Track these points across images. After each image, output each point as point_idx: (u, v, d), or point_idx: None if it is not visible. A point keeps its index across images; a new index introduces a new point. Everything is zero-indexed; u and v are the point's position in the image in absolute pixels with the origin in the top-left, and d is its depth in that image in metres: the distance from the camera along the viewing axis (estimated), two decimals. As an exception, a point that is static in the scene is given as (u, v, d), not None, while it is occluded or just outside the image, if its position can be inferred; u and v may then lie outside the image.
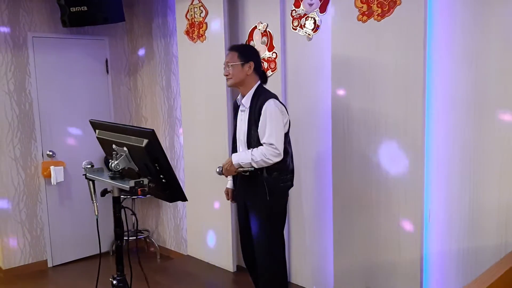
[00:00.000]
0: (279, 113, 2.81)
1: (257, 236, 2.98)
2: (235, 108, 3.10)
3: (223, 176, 3.03)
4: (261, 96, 2.87)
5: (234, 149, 3.10)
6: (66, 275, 4.35)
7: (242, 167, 2.85)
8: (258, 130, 2.83)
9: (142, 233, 4.95)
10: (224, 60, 3.03)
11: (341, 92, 3.19)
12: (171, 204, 4.71)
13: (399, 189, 2.95)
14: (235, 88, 3.04)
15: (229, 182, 3.22)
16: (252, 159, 2.79)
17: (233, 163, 2.86)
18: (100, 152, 4.59)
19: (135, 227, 4.86)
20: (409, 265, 2.95)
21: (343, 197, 3.26)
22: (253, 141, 2.86)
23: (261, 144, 2.82)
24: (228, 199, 3.27)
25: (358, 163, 3.14)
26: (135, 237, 4.73)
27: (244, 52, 2.93)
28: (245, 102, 2.93)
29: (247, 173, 2.87)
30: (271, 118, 2.78)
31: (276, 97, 2.90)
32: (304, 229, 3.68)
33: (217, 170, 2.95)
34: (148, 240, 4.96)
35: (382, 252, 3.09)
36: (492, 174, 2.65)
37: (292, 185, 3.03)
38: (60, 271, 4.45)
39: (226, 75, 2.96)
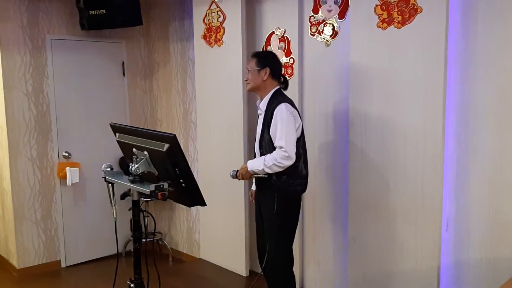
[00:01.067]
0: (291, 117, 2.84)
1: (267, 238, 3.02)
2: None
3: (237, 180, 3.07)
4: (276, 101, 2.92)
5: (253, 152, 3.15)
6: (79, 276, 4.38)
7: (256, 173, 2.92)
8: (270, 133, 2.88)
9: (155, 235, 4.96)
10: (243, 65, 3.08)
11: (359, 99, 3.18)
12: (184, 207, 4.72)
13: (417, 197, 2.94)
14: (254, 92, 3.11)
15: (253, 185, 3.25)
16: (264, 164, 2.84)
17: (248, 169, 2.94)
18: (115, 154, 4.65)
19: (147, 229, 4.87)
20: (426, 274, 2.93)
21: (359, 203, 3.24)
22: (265, 143, 2.93)
23: (273, 147, 2.87)
24: (251, 201, 3.35)
25: (375, 170, 3.13)
26: (148, 239, 4.74)
27: (261, 58, 3.01)
28: (262, 106, 3.00)
29: (266, 176, 2.91)
30: (282, 121, 2.82)
31: (290, 102, 2.93)
32: (318, 235, 3.67)
33: (231, 173, 3.05)
34: (160, 242, 4.98)
35: (398, 261, 3.07)
36: (512, 184, 2.62)
37: (303, 191, 3.01)
38: (73, 272, 4.47)
39: (245, 80, 3.07)
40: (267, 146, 2.90)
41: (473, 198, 2.79)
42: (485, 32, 2.67)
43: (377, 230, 3.16)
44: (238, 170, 3.02)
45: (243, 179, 3.02)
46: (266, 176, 2.89)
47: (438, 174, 2.84)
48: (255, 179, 3.06)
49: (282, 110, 2.84)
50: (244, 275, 4.18)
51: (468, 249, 2.83)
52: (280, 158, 2.79)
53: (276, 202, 2.90)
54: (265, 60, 2.99)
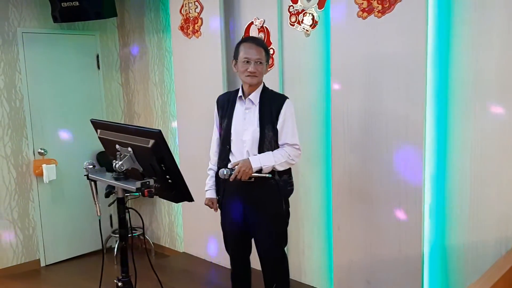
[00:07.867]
0: (294, 113, 2.77)
1: (268, 243, 2.85)
2: (223, 106, 2.90)
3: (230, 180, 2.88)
4: (272, 95, 2.79)
5: (224, 151, 2.84)
6: (59, 274, 4.30)
7: (261, 171, 2.66)
8: (279, 130, 2.71)
9: (136, 230, 4.90)
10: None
11: (340, 89, 3.18)
12: (165, 201, 4.67)
13: (400, 183, 2.97)
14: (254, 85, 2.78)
15: (209, 192, 2.97)
16: (275, 161, 2.65)
17: (253, 166, 2.62)
18: (92, 149, 4.56)
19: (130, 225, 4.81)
20: (410, 259, 2.98)
21: (343, 192, 3.26)
22: (267, 141, 2.71)
23: (275, 144, 2.72)
24: (214, 209, 3.02)
25: (358, 158, 3.15)
26: (129, 235, 4.68)
27: (267, 52, 2.79)
28: (254, 99, 2.75)
29: (252, 179, 2.68)
30: (292, 118, 2.72)
31: None
32: (303, 225, 3.68)
33: (225, 172, 2.65)
34: (142, 237, 4.92)
35: (382, 247, 3.11)
36: (492, 167, 2.67)
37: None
38: (53, 270, 4.39)
39: (253, 73, 2.70)
40: (269, 143, 2.71)
41: (454, 184, 2.84)
42: (465, 19, 2.69)
43: (361, 218, 3.19)
44: (231, 169, 2.66)
45: (241, 178, 2.63)
46: (270, 175, 2.66)
47: (419, 160, 2.87)
48: (235, 183, 2.69)
49: (290, 106, 2.73)
50: (229, 267, 4.17)
51: (451, 234, 2.89)
52: (294, 156, 2.70)
53: (283, 202, 2.79)
54: (269, 53, 2.81)
